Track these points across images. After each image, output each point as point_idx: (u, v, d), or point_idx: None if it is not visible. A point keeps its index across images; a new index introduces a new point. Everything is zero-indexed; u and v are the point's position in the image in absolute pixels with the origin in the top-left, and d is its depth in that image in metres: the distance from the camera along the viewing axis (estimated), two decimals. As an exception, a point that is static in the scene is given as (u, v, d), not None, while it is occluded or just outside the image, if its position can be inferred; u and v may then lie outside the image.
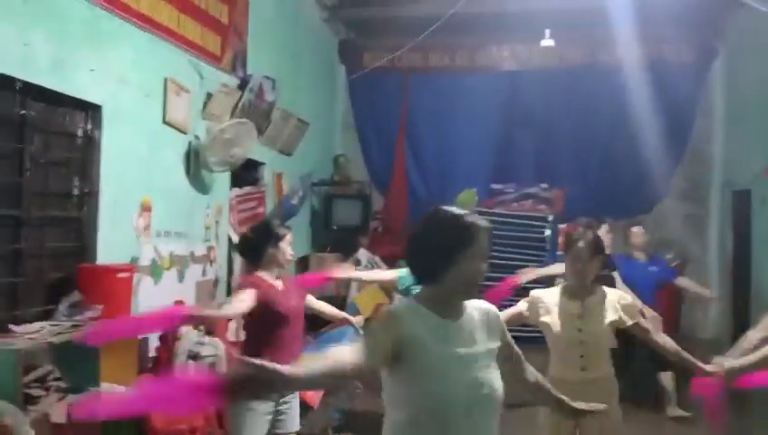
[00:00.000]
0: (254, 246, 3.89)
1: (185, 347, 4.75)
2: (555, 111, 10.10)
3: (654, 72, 9.44)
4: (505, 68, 10.45)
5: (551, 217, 9.04)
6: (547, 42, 8.98)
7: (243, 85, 6.60)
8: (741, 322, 8.73)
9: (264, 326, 3.71)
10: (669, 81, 9.61)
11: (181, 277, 5.62)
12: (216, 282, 6.34)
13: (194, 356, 4.78)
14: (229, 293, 6.69)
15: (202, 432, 4.59)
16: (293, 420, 3.85)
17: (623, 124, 9.48)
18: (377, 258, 9.42)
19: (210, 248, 6.23)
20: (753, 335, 4.29)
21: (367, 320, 8.06)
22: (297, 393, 3.87)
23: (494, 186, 9.69)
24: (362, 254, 9.38)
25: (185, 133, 5.64)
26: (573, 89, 9.96)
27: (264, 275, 3.83)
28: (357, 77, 10.74)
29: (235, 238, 6.81)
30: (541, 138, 10.25)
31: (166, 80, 5.27)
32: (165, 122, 5.31)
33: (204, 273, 6.07)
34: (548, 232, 8.79)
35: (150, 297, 5.02)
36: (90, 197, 4.53)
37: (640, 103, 9.29)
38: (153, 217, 5.14)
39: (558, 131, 10.14)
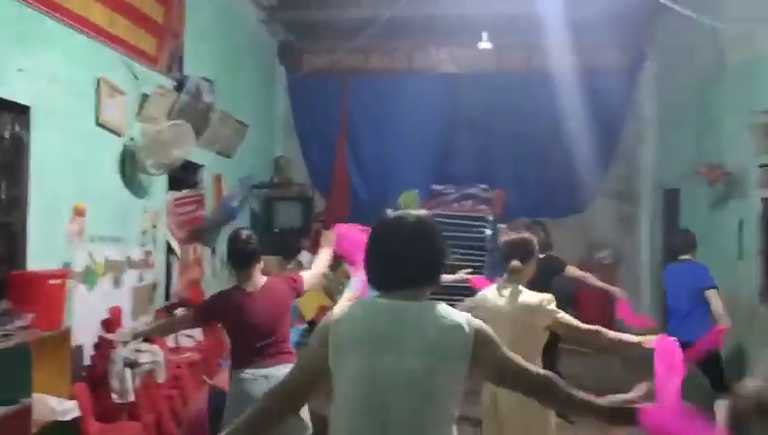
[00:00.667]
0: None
1: (121, 354, 4.62)
2: (494, 114, 10.30)
3: (587, 76, 9.74)
4: (444, 70, 10.59)
5: (491, 218, 9.20)
6: (485, 44, 9.15)
7: (180, 87, 6.48)
8: (671, 316, 9.09)
9: None
10: (601, 84, 9.94)
11: (117, 283, 5.47)
12: (154, 287, 6.20)
13: (131, 364, 4.66)
14: (167, 298, 6.56)
15: (140, 441, 4.49)
16: None
17: (558, 127, 9.75)
18: (319, 261, 9.40)
19: (147, 253, 6.09)
20: None
21: (310, 322, 8.04)
22: None
23: (435, 187, 9.80)
24: (304, 256, 9.33)
25: (119, 135, 5.49)
26: (511, 92, 10.17)
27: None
28: (297, 79, 10.70)
29: (174, 243, 6.69)
30: (480, 140, 10.43)
31: (98, 80, 5.13)
32: (98, 124, 5.16)
33: (141, 278, 5.93)
34: (488, 232, 8.94)
35: (85, 304, 4.88)
36: (18, 201, 4.36)
37: (574, 107, 9.58)
38: (87, 221, 4.98)
39: (497, 133, 10.33)
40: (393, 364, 1.93)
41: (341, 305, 2.15)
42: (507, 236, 3.71)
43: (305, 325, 7.20)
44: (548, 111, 9.77)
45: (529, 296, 3.39)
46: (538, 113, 9.91)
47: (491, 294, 3.52)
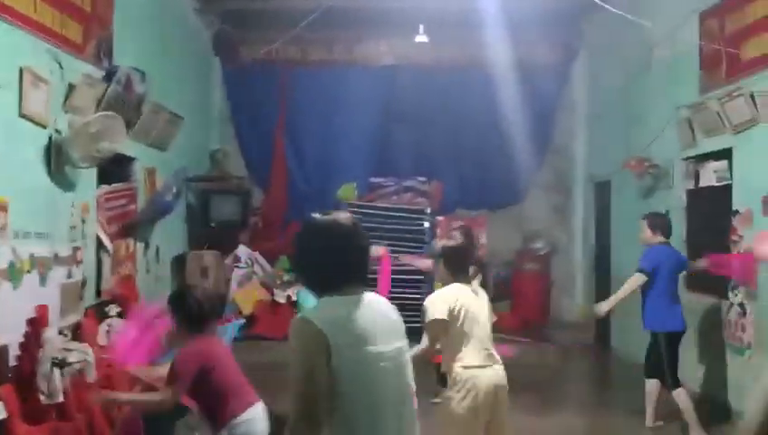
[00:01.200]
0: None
1: (49, 354, 4.47)
2: (431, 107, 10.40)
3: (522, 71, 9.95)
4: (383, 63, 10.61)
5: (429, 210, 9.30)
6: (421, 37, 9.21)
7: (109, 77, 6.27)
8: (603, 304, 9.38)
9: None
10: (536, 80, 10.16)
11: (43, 281, 5.26)
12: (83, 283, 6.00)
13: (59, 363, 4.50)
14: (98, 295, 6.37)
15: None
16: None
17: (494, 120, 9.92)
18: (257, 254, 9.31)
19: (76, 249, 5.87)
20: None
21: (248, 317, 7.97)
22: None
23: (374, 179, 9.84)
24: (242, 250, 9.24)
25: (44, 127, 5.28)
26: (448, 85, 10.29)
27: None
28: (233, 70, 10.53)
29: (105, 238, 6.50)
30: (418, 132, 10.52)
31: (21, 69, 4.91)
32: (21, 115, 4.94)
33: (69, 275, 5.72)
34: (426, 224, 9.03)
35: (10, 303, 4.68)
36: (-66, 196, 4.16)
37: (509, 101, 9.78)
38: (10, 216, 4.77)
39: (434, 126, 10.44)
40: (383, 352, 2.11)
41: (308, 310, 2.18)
42: (450, 240, 4.01)
43: (243, 320, 7.12)
44: (484, 104, 9.93)
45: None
46: (475, 107, 10.06)
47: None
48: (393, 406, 2.12)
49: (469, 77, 10.00)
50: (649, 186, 7.70)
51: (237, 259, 9.15)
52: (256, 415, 3.37)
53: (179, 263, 8.72)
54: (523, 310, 10.06)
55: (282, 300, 8.80)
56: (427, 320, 3.63)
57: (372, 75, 10.53)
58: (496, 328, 9.51)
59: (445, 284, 3.77)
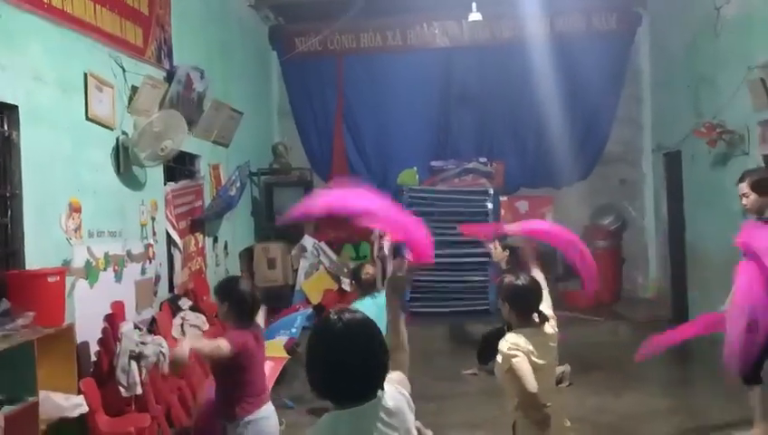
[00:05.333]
0: None
1: (126, 348, 4.63)
2: (490, 86, 10.21)
3: (581, 41, 9.65)
4: (438, 45, 10.48)
5: (491, 190, 9.15)
6: (474, 15, 9.03)
7: (170, 77, 6.43)
8: (678, 280, 9.05)
9: None
10: (596, 49, 9.83)
11: (119, 277, 5.47)
12: (156, 279, 6.20)
13: (136, 357, 4.66)
14: (171, 290, 6.57)
15: (150, 432, 4.51)
16: None
17: (555, 95, 9.64)
18: (322, 244, 9.39)
19: (148, 246, 6.08)
20: None
21: (316, 307, 8.05)
22: None
23: (434, 163, 9.75)
24: (307, 240, 9.33)
25: (111, 129, 5.46)
26: (506, 63, 10.07)
27: None
28: (290, 62, 10.62)
29: (174, 234, 6.68)
30: (477, 113, 10.35)
31: (86, 75, 5.08)
32: (88, 119, 5.12)
33: (143, 271, 5.93)
34: (490, 205, 8.89)
35: (88, 300, 4.88)
36: (12, 200, 4.35)
37: (569, 73, 9.51)
38: (83, 217, 4.97)
39: (493, 106, 10.25)
40: None
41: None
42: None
43: (311, 310, 7.20)
44: (544, 79, 9.66)
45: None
46: (534, 82, 9.80)
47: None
48: None
49: (526, 53, 9.72)
50: (723, 153, 7.34)
51: (303, 249, 9.26)
52: (267, 414, 3.44)
53: (247, 255, 8.91)
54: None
55: (348, 288, 8.86)
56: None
57: (428, 59, 10.41)
58: (569, 307, 9.35)
59: (512, 326, 3.32)
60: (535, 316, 3.28)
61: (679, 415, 5.44)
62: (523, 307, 3.29)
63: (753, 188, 4.32)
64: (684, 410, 5.57)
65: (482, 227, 6.78)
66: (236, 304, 3.49)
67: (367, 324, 1.98)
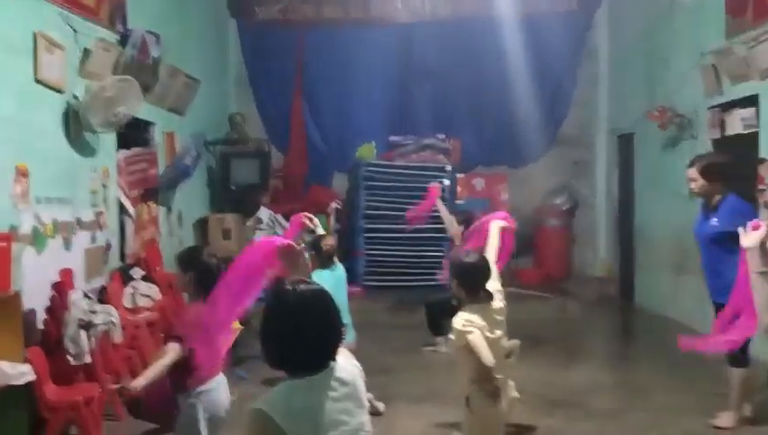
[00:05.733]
0: None
1: (75, 316, 4.55)
2: (450, 63, 10.22)
3: (542, 21, 9.71)
4: (400, 20, 10.42)
5: (449, 167, 9.22)
6: (437, -9, 9.00)
7: (123, 41, 6.25)
8: (626, 259, 9.31)
9: None
10: (555, 29, 9.90)
11: (68, 245, 5.34)
12: (107, 247, 6.08)
13: (86, 325, 4.59)
14: (122, 259, 6.46)
15: (98, 403, 4.46)
16: None
17: (514, 74, 9.72)
18: (278, 216, 9.33)
19: (99, 214, 5.94)
20: None
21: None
22: None
23: (393, 138, 9.75)
24: (263, 212, 9.25)
25: (61, 92, 5.29)
26: (467, 40, 10.08)
27: None
28: (250, 31, 10.43)
29: (126, 202, 6.55)
30: (436, 89, 10.37)
31: (35, 35, 4.90)
32: (37, 81, 4.95)
33: (93, 239, 5.80)
34: (447, 181, 8.95)
35: (35, 267, 4.76)
36: (-44, 163, 4.21)
37: (528, 52, 9.57)
38: (31, 182, 4.82)
39: (453, 83, 10.28)
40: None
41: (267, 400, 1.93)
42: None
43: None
44: (503, 57, 9.72)
45: None
46: (493, 60, 9.86)
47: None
48: None
49: (487, 30, 9.75)
50: (673, 136, 7.53)
51: (259, 221, 9.19)
52: (219, 385, 3.38)
53: (201, 226, 8.80)
54: (545, 265, 10.01)
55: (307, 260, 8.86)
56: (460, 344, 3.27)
57: (389, 33, 10.35)
58: (520, 284, 9.55)
59: (461, 303, 3.40)
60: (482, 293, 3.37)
61: (624, 389, 5.63)
62: (470, 284, 3.38)
63: (702, 173, 4.38)
64: (629, 384, 5.77)
65: (421, 206, 6.94)
66: (200, 274, 3.43)
67: (322, 296, 1.99)
